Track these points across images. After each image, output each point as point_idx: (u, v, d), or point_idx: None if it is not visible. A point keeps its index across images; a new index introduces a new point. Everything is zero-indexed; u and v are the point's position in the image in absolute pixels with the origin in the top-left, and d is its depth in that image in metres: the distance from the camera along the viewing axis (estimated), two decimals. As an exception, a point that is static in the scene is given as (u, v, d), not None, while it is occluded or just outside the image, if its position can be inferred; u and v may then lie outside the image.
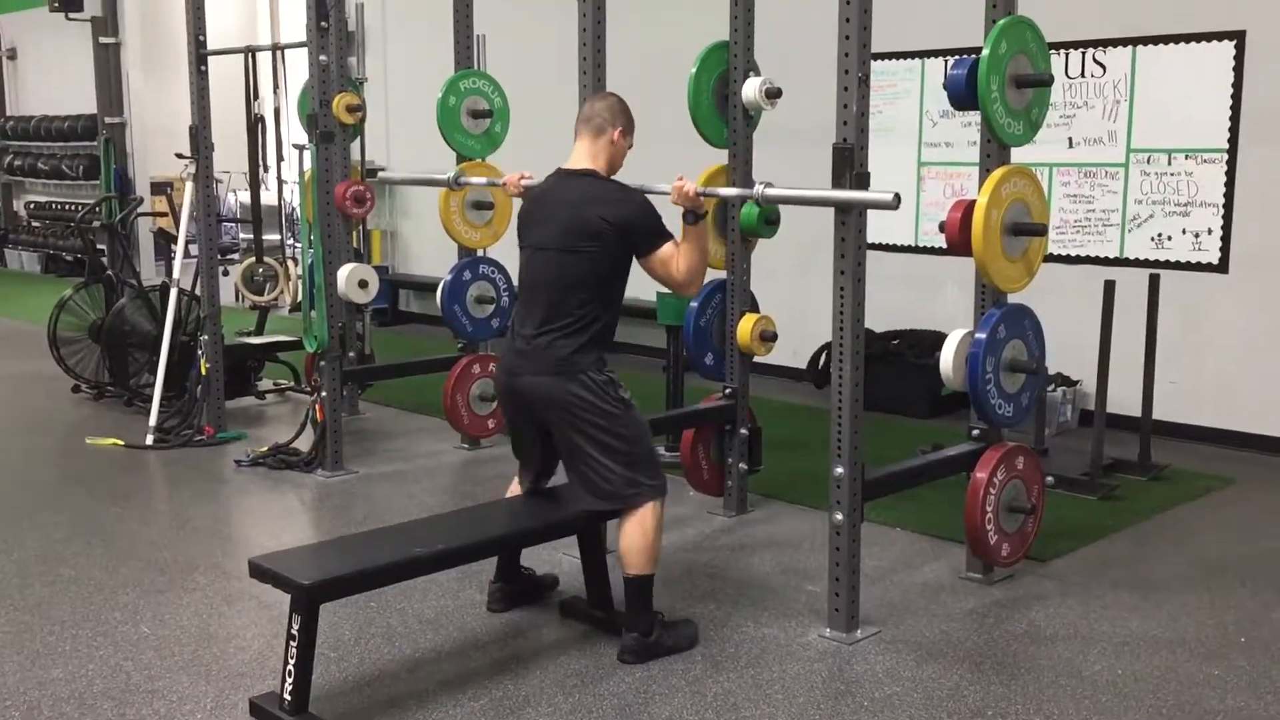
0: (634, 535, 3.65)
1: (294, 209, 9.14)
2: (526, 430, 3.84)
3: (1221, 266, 6.12)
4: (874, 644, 3.78)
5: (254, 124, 7.00)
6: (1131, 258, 6.39)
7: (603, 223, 3.61)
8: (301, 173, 5.87)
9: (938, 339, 5.99)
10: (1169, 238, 6.27)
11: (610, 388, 3.65)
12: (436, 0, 6.70)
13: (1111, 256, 6.46)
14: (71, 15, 11.74)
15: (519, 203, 4.09)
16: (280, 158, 7.07)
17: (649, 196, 3.74)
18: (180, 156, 6.63)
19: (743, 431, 5.01)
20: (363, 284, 6.00)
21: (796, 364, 7.41)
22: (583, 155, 3.78)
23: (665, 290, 5.31)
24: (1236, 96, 5.97)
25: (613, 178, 3.78)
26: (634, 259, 3.70)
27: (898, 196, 3.50)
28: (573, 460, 3.76)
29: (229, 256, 9.86)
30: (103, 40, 11.69)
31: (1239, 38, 5.94)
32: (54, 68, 14.06)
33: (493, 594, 4.12)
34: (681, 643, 3.74)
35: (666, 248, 3.66)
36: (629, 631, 3.67)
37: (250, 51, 6.99)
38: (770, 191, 3.77)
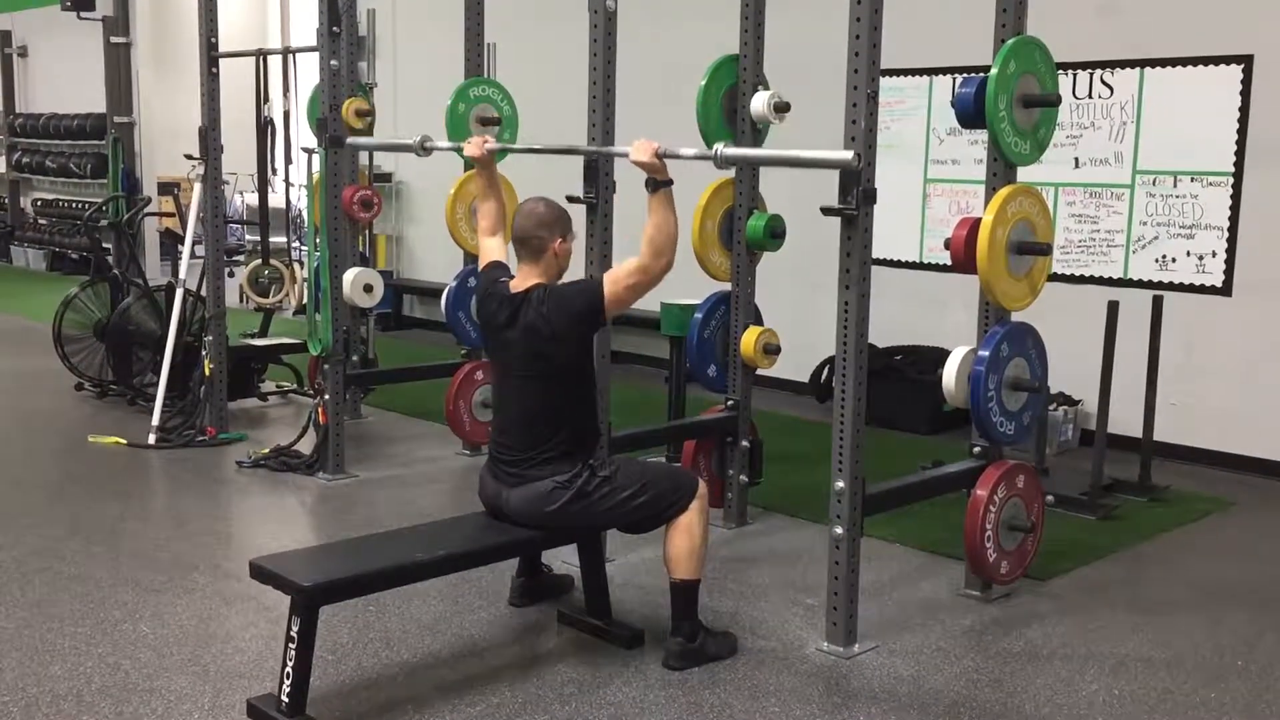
0: (680, 542, 3.67)
1: (300, 212, 9.16)
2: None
3: (1225, 289, 6.13)
4: (871, 658, 3.79)
5: (263, 127, 7.03)
6: (1135, 279, 6.40)
7: (557, 340, 3.58)
8: (309, 176, 5.88)
9: (941, 355, 5.99)
10: (1173, 260, 6.28)
11: (591, 483, 3.63)
12: (447, 8, 6.73)
13: (1115, 277, 6.47)
14: (83, 14, 11.77)
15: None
16: (288, 161, 7.09)
17: (612, 157, 3.69)
18: (189, 157, 6.66)
19: (744, 444, 5.01)
20: (368, 288, 6.02)
21: (799, 377, 7.42)
22: (528, 275, 3.69)
23: (670, 301, 5.34)
24: (1243, 120, 5.99)
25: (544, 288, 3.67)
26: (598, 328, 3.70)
27: (858, 156, 3.48)
28: (599, 529, 3.87)
29: (235, 258, 9.89)
30: (114, 40, 11.71)
31: (1247, 62, 5.96)
32: (64, 66, 14.12)
33: (515, 589, 4.16)
34: (723, 652, 3.75)
35: (609, 274, 3.60)
36: (674, 636, 3.69)
37: (261, 54, 7.02)
38: (728, 151, 3.75)
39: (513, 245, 3.75)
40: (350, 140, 5.61)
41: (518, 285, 3.70)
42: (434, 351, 8.15)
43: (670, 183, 3.57)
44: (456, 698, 3.46)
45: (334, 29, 5.54)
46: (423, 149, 4.55)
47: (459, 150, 4.41)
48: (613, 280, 3.57)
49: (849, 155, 3.45)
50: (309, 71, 6.41)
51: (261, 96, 7.00)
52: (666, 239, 3.53)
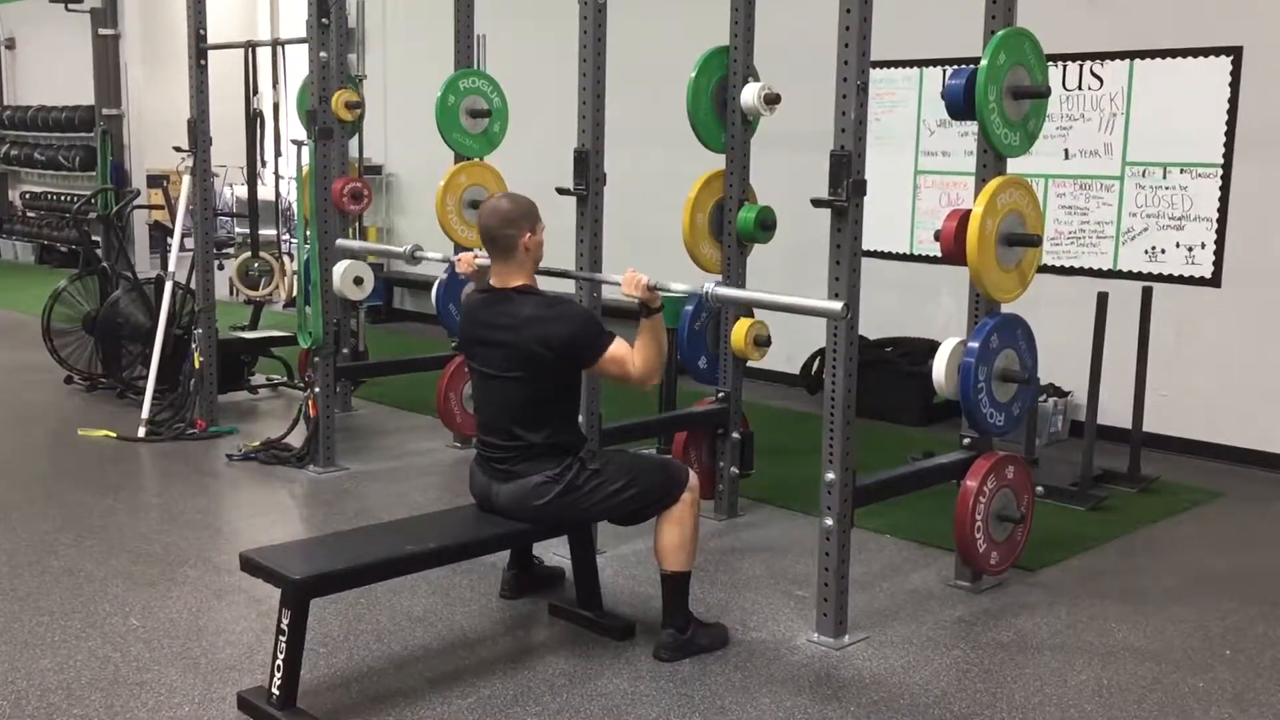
0: (671, 533, 3.67)
1: (290, 204, 9.14)
2: None
3: (1214, 280, 6.14)
4: (862, 649, 3.80)
5: (252, 119, 7.01)
6: (1125, 270, 6.41)
7: (542, 347, 3.55)
8: (299, 168, 5.87)
9: (931, 347, 6.01)
10: (1162, 251, 6.30)
11: (580, 476, 3.62)
12: (437, -1, 6.71)
13: (1105, 268, 6.49)
14: (71, 6, 11.73)
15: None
16: (278, 153, 7.07)
17: (602, 286, 3.70)
18: (178, 150, 6.63)
19: (735, 435, 5.02)
20: (358, 281, 6.00)
21: (790, 369, 7.42)
22: (506, 274, 3.68)
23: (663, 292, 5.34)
24: (1232, 112, 6.00)
25: (549, 294, 3.67)
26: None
27: (847, 307, 3.48)
28: (589, 521, 3.86)
29: (224, 250, 9.86)
30: (102, 32, 11.67)
31: (1236, 53, 5.97)
32: (52, 58, 14.05)
33: (506, 582, 4.16)
34: (715, 643, 3.76)
35: (613, 348, 3.57)
36: (665, 628, 3.69)
37: (250, 46, 7.00)
38: (719, 290, 3.72)
39: (484, 244, 3.73)
40: (341, 242, 5.57)
41: (499, 282, 3.70)
42: (425, 344, 8.14)
43: (661, 308, 3.62)
44: (448, 690, 3.46)
45: (323, 21, 5.52)
46: (412, 258, 4.57)
47: (452, 264, 4.35)
48: (613, 359, 3.57)
49: (838, 306, 3.41)
50: (298, 63, 6.40)
51: (250, 89, 6.98)
52: (659, 362, 3.60)
